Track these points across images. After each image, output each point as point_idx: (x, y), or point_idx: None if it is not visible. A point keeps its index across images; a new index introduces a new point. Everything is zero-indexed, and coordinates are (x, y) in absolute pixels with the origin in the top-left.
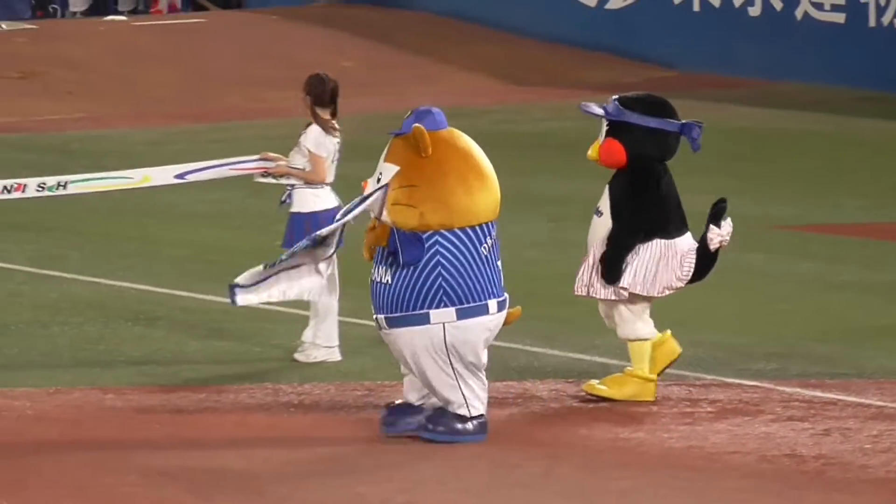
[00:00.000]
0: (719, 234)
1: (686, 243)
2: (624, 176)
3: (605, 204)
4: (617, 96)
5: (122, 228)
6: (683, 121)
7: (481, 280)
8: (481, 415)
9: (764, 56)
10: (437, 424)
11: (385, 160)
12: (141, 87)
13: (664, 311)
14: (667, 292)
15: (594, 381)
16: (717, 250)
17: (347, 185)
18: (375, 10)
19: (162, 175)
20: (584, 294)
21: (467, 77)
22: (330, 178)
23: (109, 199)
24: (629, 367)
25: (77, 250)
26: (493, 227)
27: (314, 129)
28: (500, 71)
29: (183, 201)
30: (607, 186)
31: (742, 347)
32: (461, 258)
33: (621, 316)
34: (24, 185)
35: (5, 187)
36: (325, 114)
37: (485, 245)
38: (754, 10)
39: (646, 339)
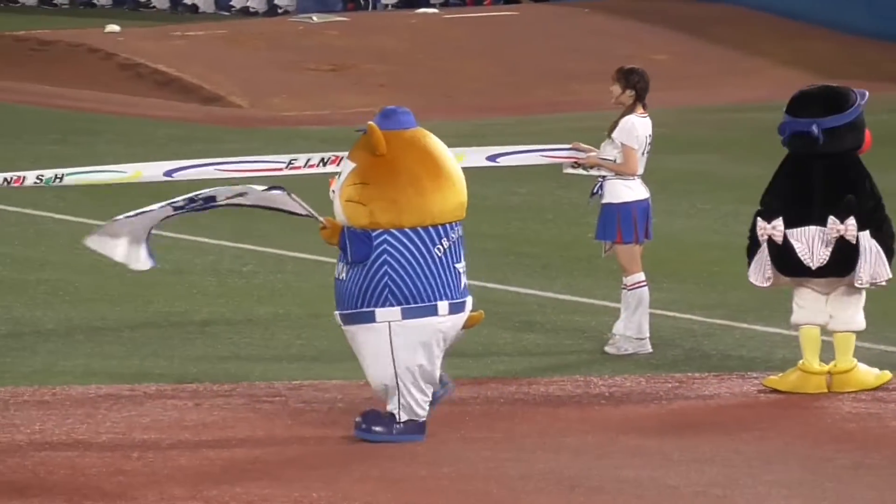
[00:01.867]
0: (835, 227)
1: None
2: None
3: None
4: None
5: None
6: (796, 119)
7: (432, 281)
8: (412, 420)
9: None
10: (372, 424)
11: (347, 157)
12: (453, 79)
13: None
14: (766, 284)
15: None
16: (853, 246)
17: (656, 179)
18: (686, 4)
19: (475, 156)
20: None
21: (783, 71)
22: (641, 169)
23: None
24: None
25: None
26: (452, 228)
27: (627, 122)
28: (817, 65)
29: (493, 193)
30: None
31: None
32: (410, 258)
33: None
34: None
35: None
36: (638, 107)
37: (439, 246)
38: None
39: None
